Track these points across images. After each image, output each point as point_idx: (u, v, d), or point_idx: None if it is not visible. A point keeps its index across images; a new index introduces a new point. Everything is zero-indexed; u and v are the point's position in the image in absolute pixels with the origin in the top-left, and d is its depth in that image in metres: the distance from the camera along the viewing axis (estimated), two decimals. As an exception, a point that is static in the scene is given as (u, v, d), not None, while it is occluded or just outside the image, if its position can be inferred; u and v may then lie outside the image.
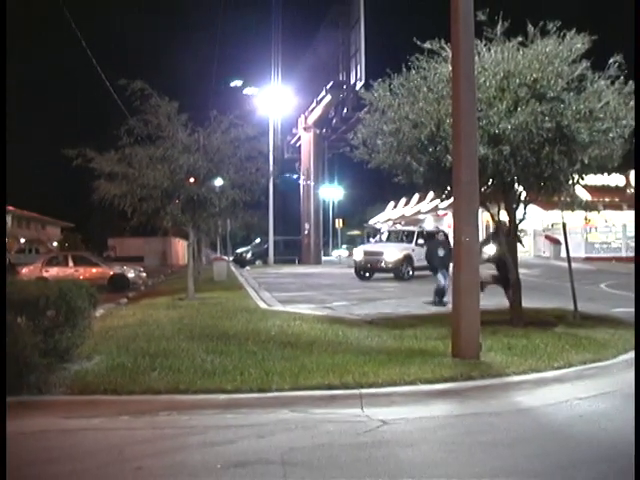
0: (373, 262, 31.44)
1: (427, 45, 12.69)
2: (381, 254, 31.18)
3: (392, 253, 31.00)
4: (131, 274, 30.07)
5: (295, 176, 59.06)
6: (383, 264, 31.00)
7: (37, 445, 6.81)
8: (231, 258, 51.17)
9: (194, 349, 10.70)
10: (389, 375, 8.61)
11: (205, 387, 8.26)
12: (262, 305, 18.82)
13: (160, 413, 7.69)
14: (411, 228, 36.36)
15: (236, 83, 54.14)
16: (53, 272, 27.69)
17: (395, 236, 34.92)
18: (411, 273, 30.81)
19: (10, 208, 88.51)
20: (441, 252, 18.61)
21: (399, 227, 46.16)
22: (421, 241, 31.90)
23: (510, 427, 7.15)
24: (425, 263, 29.94)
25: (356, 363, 9.36)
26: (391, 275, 31.07)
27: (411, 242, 32.29)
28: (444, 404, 8.05)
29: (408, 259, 31.02)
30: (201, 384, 8.36)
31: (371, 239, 40.01)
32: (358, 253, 33.29)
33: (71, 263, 29.51)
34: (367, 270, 31.86)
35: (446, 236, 19.66)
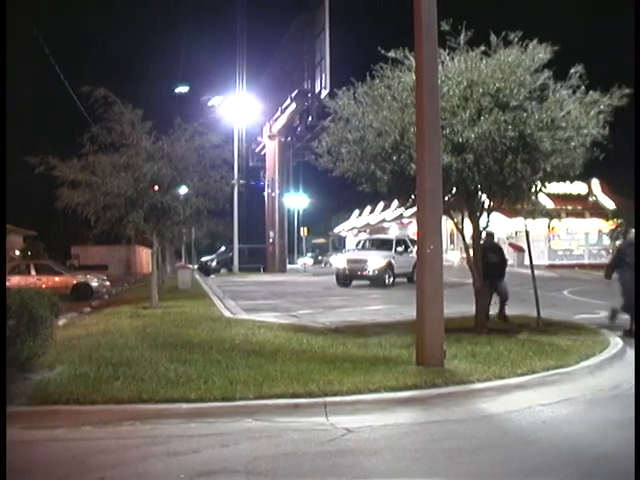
0: (356, 269, 31.58)
1: (391, 54, 12.76)
2: (365, 262, 31.35)
3: (376, 261, 31.22)
4: (94, 283, 29.78)
5: (260, 183, 58.93)
6: (367, 271, 31.18)
7: (-3, 457, 6.70)
8: (196, 266, 50.92)
9: (158, 358, 10.62)
10: (353, 383, 8.61)
11: (169, 396, 8.19)
12: (226, 313, 18.72)
13: (123, 423, 7.62)
14: (389, 236, 36.65)
15: (181, 89, 53.82)
16: (15, 281, 27.25)
17: (373, 244, 35.10)
18: (392, 280, 31.09)
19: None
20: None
21: (379, 235, 46.41)
22: (400, 249, 32.65)
23: (474, 434, 7.19)
24: (406, 270, 30.66)
25: (320, 371, 9.35)
26: (368, 282, 31.38)
27: (390, 249, 32.60)
28: (408, 412, 8.05)
29: (390, 266, 31.26)
30: (164, 393, 8.29)
31: (349, 248, 40.06)
32: (340, 261, 33.52)
33: (33, 272, 29.13)
34: (350, 277, 32.01)
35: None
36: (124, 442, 7.07)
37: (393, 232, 57.13)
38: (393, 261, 31.52)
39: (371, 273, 31.09)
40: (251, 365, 9.98)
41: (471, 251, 13.86)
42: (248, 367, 9.82)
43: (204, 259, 59.03)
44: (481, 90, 12.19)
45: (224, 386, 8.58)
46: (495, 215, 14.27)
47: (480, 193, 13.42)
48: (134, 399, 8.10)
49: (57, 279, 28.88)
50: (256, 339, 12.89)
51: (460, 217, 14.06)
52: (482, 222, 13.75)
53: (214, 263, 56.27)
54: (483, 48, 12.61)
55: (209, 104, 52.96)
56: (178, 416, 7.76)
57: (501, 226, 43.84)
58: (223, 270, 53.82)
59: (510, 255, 49.70)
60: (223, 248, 59.35)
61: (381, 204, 71.26)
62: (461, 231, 14.16)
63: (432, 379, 8.88)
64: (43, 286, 25.31)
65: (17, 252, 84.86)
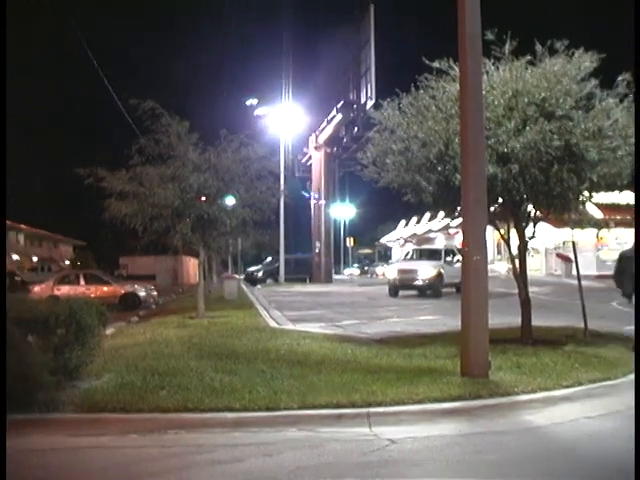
0: (407, 280, 31.57)
1: (435, 64, 12.76)
2: (415, 272, 31.33)
3: (426, 270, 31.17)
4: (142, 292, 30.07)
5: (306, 194, 59.08)
6: (418, 281, 31.18)
7: (45, 463, 6.84)
8: (242, 276, 51.23)
9: (203, 368, 10.71)
10: (397, 394, 8.60)
11: (213, 405, 8.27)
12: (272, 324, 18.83)
13: (168, 431, 7.71)
14: (438, 246, 36.44)
15: (251, 102, 54.29)
16: (65, 290, 27.74)
17: (422, 254, 34.87)
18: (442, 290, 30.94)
19: (22, 226, 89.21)
20: None
21: (428, 245, 46.34)
22: (449, 258, 32.55)
23: (518, 446, 7.13)
24: (454, 280, 28.85)
25: (364, 382, 9.36)
26: (417, 293, 31.47)
27: (440, 259, 32.47)
28: (452, 423, 8.01)
29: (440, 276, 31.13)
30: (209, 402, 8.37)
31: (398, 258, 39.42)
32: (392, 271, 33.48)
33: (82, 281, 29.56)
34: (402, 288, 31.93)
35: None
36: (169, 450, 7.16)
37: (440, 242, 56.83)
38: (442, 271, 31.32)
39: (421, 283, 31.08)
40: (295, 375, 10.01)
41: (517, 261, 13.74)
42: (292, 377, 9.86)
43: (250, 269, 59.41)
44: (526, 100, 12.11)
45: (268, 396, 8.63)
46: (542, 225, 14.13)
47: (526, 203, 13.32)
48: (179, 408, 8.19)
49: (105, 289, 29.26)
50: (301, 349, 12.93)
51: (506, 227, 13.95)
52: (528, 232, 13.63)
53: (260, 273, 56.57)
54: (528, 57, 12.53)
55: (255, 114, 53.38)
56: (223, 425, 7.83)
57: (549, 236, 43.37)
58: (269, 280, 54.07)
59: (558, 265, 49.26)
60: (269, 259, 59.71)
61: (427, 214, 70.94)
62: (507, 241, 14.05)
63: (476, 390, 8.82)
64: (92, 295, 25.64)
65: (67, 262, 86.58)
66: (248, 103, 54.16)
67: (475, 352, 9.79)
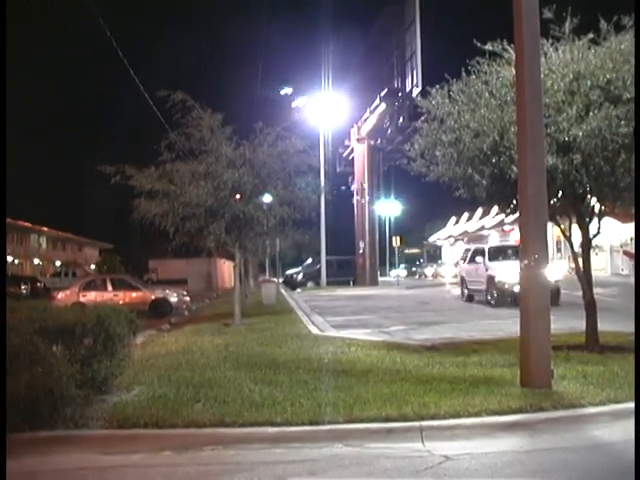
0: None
1: (488, 47, 12.63)
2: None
3: (511, 273, 28.04)
4: (174, 298, 30.20)
5: (349, 189, 58.95)
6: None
7: (74, 483, 6.89)
8: (281, 280, 51.39)
9: (241, 379, 10.73)
10: (452, 406, 8.52)
11: (253, 420, 8.26)
12: (314, 330, 18.82)
13: (204, 448, 7.71)
14: (510, 242, 34.12)
15: (286, 91, 54.34)
16: (91, 297, 28.00)
17: (500, 252, 32.23)
18: None
19: (44, 229, 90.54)
20: None
21: (498, 243, 44.28)
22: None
23: (587, 465, 7.01)
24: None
25: (416, 393, 9.29)
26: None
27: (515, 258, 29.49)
28: (513, 438, 7.91)
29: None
30: (248, 416, 8.37)
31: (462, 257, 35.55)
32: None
33: (110, 287, 29.77)
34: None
35: None
36: (205, 469, 7.17)
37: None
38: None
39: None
40: (341, 386, 9.98)
41: (580, 260, 13.55)
42: (337, 388, 9.82)
43: (290, 272, 59.53)
44: (589, 83, 11.92)
45: (312, 409, 8.60)
46: (607, 220, 13.91)
47: (589, 196, 13.12)
48: (216, 423, 8.20)
49: (135, 294, 29.42)
50: (346, 358, 12.90)
51: (567, 223, 13.76)
52: (592, 228, 13.43)
53: (300, 276, 56.65)
54: (591, 36, 12.34)
55: (293, 105, 53.45)
56: (263, 441, 7.82)
57: (614, 232, 42.75)
58: (310, 284, 54.11)
59: (624, 264, 48.48)
60: (310, 260, 59.74)
61: (480, 210, 70.44)
62: (569, 238, 13.85)
63: (538, 402, 8.69)
64: (120, 302, 25.88)
65: (92, 266, 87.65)
66: (283, 92, 54.23)
67: (536, 360, 9.66)
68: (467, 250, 33.26)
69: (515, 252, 26.54)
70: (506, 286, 25.77)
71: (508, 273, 25.48)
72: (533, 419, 8.32)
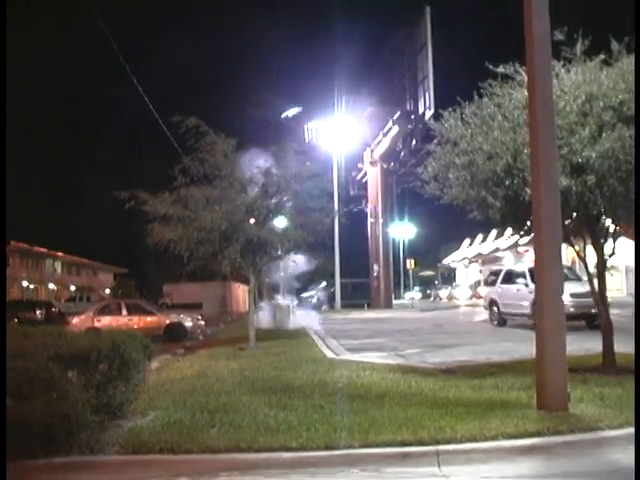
0: (585, 307, 23.44)
1: (500, 69, 12.66)
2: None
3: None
4: (188, 323, 30.17)
5: (363, 211, 58.95)
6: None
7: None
8: (295, 302, 51.33)
9: (256, 403, 10.69)
10: (468, 430, 8.45)
11: (268, 445, 8.22)
12: (329, 354, 18.78)
13: (220, 473, 7.69)
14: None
15: (291, 112, 54.08)
16: (105, 321, 28.06)
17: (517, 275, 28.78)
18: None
19: (59, 254, 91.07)
20: None
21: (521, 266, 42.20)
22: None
23: (606, 489, 6.94)
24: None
25: (431, 417, 9.23)
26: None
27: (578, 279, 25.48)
28: (530, 462, 7.84)
29: None
30: (264, 441, 8.32)
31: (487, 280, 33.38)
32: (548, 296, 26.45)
33: (125, 312, 29.80)
34: (573, 318, 23.38)
35: None
36: (221, 495, 7.15)
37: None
38: None
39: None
40: (356, 410, 9.93)
41: (595, 281, 13.49)
42: (353, 413, 9.77)
43: (304, 295, 59.49)
44: (602, 104, 11.90)
45: (327, 433, 8.55)
46: (622, 240, 13.86)
47: (604, 217, 13.08)
48: (231, 448, 8.16)
49: (149, 319, 29.43)
50: (361, 382, 12.84)
51: (582, 244, 13.71)
52: (607, 249, 13.38)
53: (315, 299, 56.63)
54: (603, 57, 12.34)
55: (305, 128, 53.54)
56: (278, 466, 7.79)
57: (629, 253, 42.46)
58: (324, 307, 54.09)
59: (642, 285, 47.97)
60: (324, 283, 59.73)
61: (494, 232, 70.30)
62: (583, 259, 13.80)
63: (555, 425, 8.61)
64: (135, 327, 25.88)
65: (107, 290, 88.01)
66: (284, 115, 53.94)
67: (552, 383, 9.60)
68: (495, 272, 32.23)
69: (570, 273, 25.62)
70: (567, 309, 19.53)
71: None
72: (550, 443, 8.24)
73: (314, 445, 8.14)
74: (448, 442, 8.09)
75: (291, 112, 54.14)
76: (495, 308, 29.35)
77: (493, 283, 30.57)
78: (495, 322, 28.91)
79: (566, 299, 23.84)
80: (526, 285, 26.23)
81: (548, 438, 8.30)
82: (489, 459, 7.84)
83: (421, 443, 8.07)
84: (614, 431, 8.62)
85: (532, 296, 22.42)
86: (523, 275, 27.42)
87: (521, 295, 26.50)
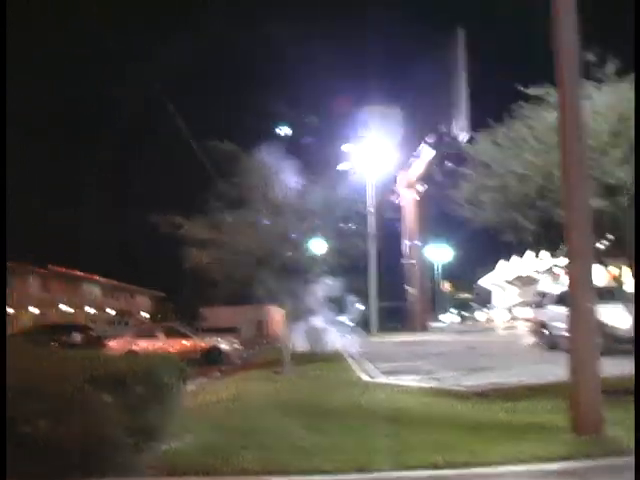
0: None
1: (531, 91, 12.70)
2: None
3: (623, 318, 21.34)
4: (225, 346, 30.35)
5: (398, 234, 58.91)
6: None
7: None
8: (331, 326, 51.23)
9: (290, 426, 10.75)
10: (500, 452, 8.43)
11: (302, 468, 8.26)
12: (364, 377, 18.77)
13: (254, 496, 7.76)
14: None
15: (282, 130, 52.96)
16: (143, 345, 28.29)
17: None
18: None
19: (97, 278, 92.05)
20: None
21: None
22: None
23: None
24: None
25: (464, 440, 9.22)
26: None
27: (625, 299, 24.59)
28: (563, 485, 7.81)
29: None
30: (298, 464, 8.36)
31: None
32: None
33: (161, 335, 30.05)
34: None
35: None
36: (255, 517, 7.21)
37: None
38: None
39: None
40: (389, 433, 9.92)
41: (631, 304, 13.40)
42: (386, 436, 9.77)
43: (340, 318, 59.36)
44: (633, 124, 11.89)
45: (360, 456, 8.56)
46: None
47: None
48: (264, 470, 8.22)
49: (186, 343, 29.63)
50: (395, 405, 12.83)
51: (619, 266, 13.67)
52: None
53: (350, 322, 56.50)
54: (633, 76, 12.32)
55: (342, 148, 53.60)
56: (311, 489, 7.83)
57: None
58: (360, 330, 53.94)
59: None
60: (360, 306, 59.61)
61: (529, 253, 69.90)
62: (618, 281, 13.74)
63: (588, 449, 8.54)
64: (171, 350, 26.05)
65: (144, 313, 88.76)
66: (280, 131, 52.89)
67: (586, 405, 9.54)
68: (542, 293, 31.24)
69: (620, 294, 20.74)
70: (620, 332, 20.97)
71: (620, 317, 21.07)
72: (583, 467, 8.16)
73: (347, 468, 8.16)
74: (480, 465, 8.09)
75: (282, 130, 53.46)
76: (545, 331, 27.96)
77: (541, 304, 29.89)
78: (544, 345, 27.43)
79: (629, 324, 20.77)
80: None
81: (581, 462, 8.23)
82: (521, 483, 7.81)
83: (453, 466, 8.05)
84: (649, 455, 8.53)
85: None
86: None
87: None
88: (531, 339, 29.78)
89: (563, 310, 26.95)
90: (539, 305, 30.26)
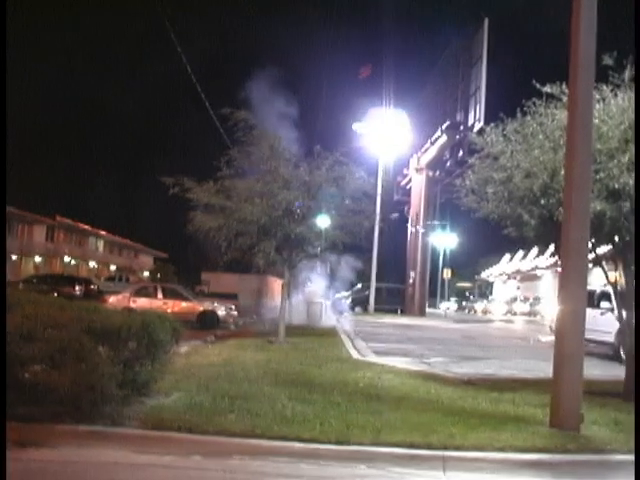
0: None
1: (546, 89, 12.72)
2: None
3: None
4: (221, 312, 30.42)
5: (405, 217, 58.89)
6: None
7: (106, 477, 7.20)
8: (329, 302, 51.42)
9: (276, 394, 10.97)
10: (477, 439, 8.62)
11: (282, 434, 8.45)
12: (355, 355, 18.99)
13: (233, 456, 7.96)
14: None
15: (357, 127, 53.89)
16: (141, 303, 28.43)
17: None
18: None
19: (102, 233, 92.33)
20: None
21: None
22: None
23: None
24: None
25: (443, 423, 9.41)
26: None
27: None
28: (535, 477, 7.97)
29: None
30: (278, 430, 8.57)
31: None
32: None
33: (160, 295, 30.20)
34: None
35: None
36: (232, 476, 7.42)
37: (547, 281, 55.77)
38: None
39: None
40: (372, 410, 10.12)
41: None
42: (368, 412, 9.97)
43: (338, 295, 59.53)
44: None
45: (340, 429, 8.78)
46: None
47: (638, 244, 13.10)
48: (246, 433, 8.42)
49: (184, 304, 29.72)
50: (381, 384, 13.04)
51: (615, 270, 13.74)
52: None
53: (348, 300, 56.68)
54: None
55: (353, 128, 53.56)
56: (290, 455, 8.02)
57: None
58: (357, 309, 54.14)
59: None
60: (359, 285, 59.73)
61: (535, 250, 69.86)
62: (614, 285, 13.84)
63: (564, 443, 8.72)
64: (169, 310, 26.19)
65: (146, 273, 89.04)
66: (355, 128, 53.70)
67: (566, 402, 9.70)
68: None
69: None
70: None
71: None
72: (558, 460, 8.35)
73: (326, 439, 8.35)
74: (456, 449, 8.26)
75: (356, 127, 53.92)
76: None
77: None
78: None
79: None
80: (612, 310, 19.76)
81: (555, 455, 8.41)
82: (494, 470, 7.99)
83: (429, 447, 8.23)
84: (623, 455, 8.61)
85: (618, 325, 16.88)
86: (608, 297, 21.93)
87: (604, 321, 21.71)
88: (528, 334, 30.03)
89: (588, 311, 26.82)
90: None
